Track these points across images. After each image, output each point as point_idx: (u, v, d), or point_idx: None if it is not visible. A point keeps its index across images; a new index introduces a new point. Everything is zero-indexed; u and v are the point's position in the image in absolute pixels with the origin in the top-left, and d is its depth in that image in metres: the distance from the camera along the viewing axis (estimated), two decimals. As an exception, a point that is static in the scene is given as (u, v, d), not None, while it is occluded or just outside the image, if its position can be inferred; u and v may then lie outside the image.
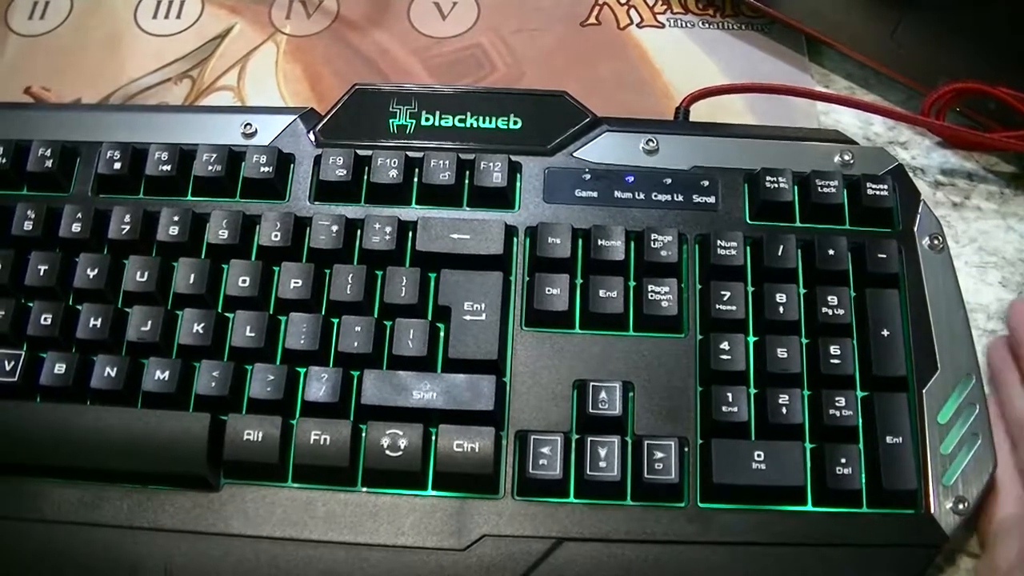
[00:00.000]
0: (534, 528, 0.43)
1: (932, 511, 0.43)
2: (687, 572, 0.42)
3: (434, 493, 0.43)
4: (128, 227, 0.47)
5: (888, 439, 0.43)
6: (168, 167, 0.49)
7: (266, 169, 0.48)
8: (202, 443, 0.43)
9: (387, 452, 0.43)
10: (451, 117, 0.51)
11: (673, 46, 0.62)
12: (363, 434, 0.43)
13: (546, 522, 0.43)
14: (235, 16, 0.64)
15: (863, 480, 0.43)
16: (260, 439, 0.43)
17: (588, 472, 0.43)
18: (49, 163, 0.49)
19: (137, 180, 0.49)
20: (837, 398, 0.44)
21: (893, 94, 0.59)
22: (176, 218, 0.48)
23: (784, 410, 0.44)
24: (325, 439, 0.43)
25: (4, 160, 0.49)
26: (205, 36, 0.63)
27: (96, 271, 0.47)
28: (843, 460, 0.43)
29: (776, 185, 0.48)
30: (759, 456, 0.43)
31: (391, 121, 0.51)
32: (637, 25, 0.63)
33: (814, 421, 0.44)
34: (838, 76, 0.60)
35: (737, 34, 0.63)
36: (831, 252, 0.47)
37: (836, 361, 0.45)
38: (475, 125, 0.51)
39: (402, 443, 0.43)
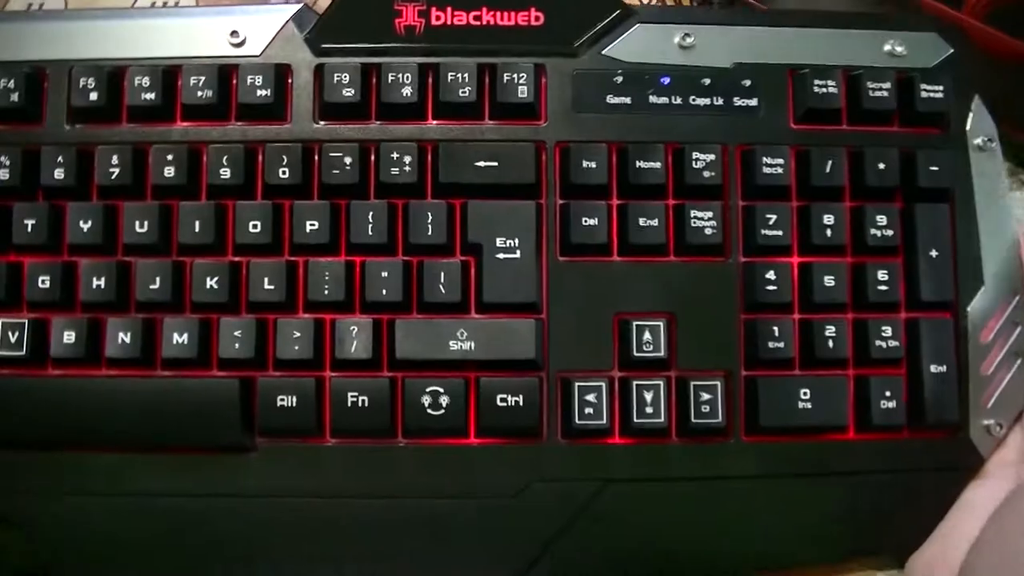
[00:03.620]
0: (581, 471, 0.43)
1: (970, 434, 0.43)
2: (732, 506, 0.43)
3: (478, 442, 0.42)
4: (118, 170, 0.42)
5: (932, 368, 0.43)
6: (151, 95, 0.43)
7: (263, 92, 0.43)
8: (235, 410, 0.42)
9: (428, 411, 0.42)
10: (465, 14, 0.45)
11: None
12: (401, 390, 0.42)
13: (592, 465, 0.43)
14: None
15: (906, 412, 0.43)
16: (294, 404, 0.42)
17: (635, 420, 0.42)
18: (15, 96, 0.43)
19: (117, 108, 0.43)
20: (883, 328, 0.43)
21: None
22: (170, 157, 0.43)
23: (831, 343, 0.43)
24: (363, 400, 0.42)
25: (-40, 92, 0.43)
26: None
27: (90, 223, 0.42)
28: (887, 394, 0.43)
29: (824, 90, 0.44)
30: (805, 394, 0.43)
31: (397, 21, 0.45)
32: None
33: (859, 351, 0.43)
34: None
35: None
36: (881, 166, 0.44)
37: (884, 288, 0.43)
38: (492, 22, 0.45)
39: (443, 400, 0.42)
